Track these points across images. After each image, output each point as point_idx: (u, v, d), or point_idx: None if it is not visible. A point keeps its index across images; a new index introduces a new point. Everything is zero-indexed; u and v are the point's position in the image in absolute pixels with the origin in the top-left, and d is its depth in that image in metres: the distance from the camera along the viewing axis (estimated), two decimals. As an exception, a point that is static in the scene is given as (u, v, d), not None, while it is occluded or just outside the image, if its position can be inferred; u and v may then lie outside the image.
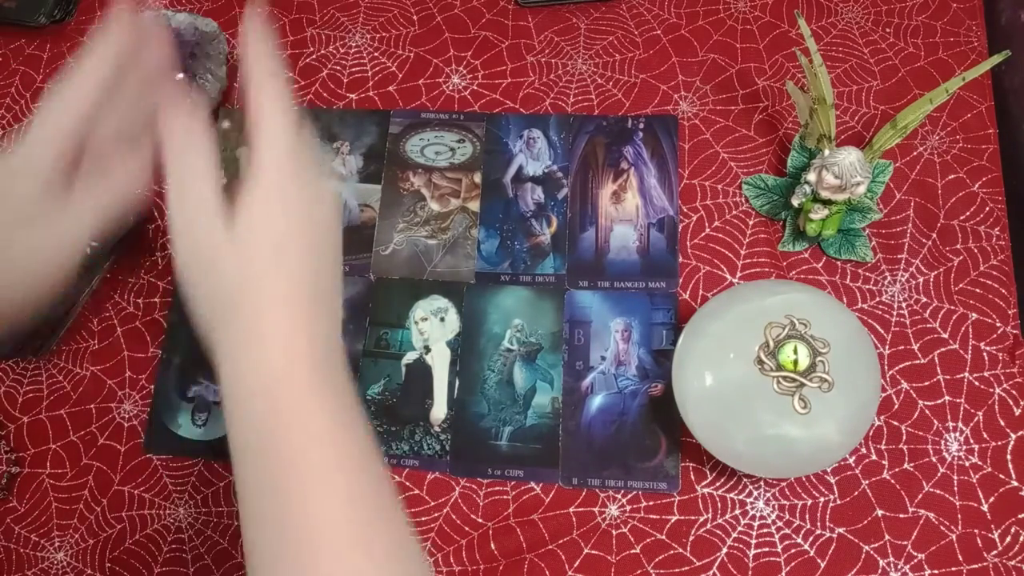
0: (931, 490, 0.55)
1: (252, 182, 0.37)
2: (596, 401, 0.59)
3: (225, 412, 0.37)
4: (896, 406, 0.57)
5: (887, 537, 0.54)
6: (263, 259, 0.37)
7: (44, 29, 0.74)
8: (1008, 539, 0.53)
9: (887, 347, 0.58)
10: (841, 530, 0.55)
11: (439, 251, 0.64)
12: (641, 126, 0.66)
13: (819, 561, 0.54)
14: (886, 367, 0.58)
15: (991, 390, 0.57)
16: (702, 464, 0.57)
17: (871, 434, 0.56)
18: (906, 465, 0.56)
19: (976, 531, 0.54)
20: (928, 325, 0.59)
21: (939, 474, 0.55)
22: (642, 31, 0.69)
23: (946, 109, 0.64)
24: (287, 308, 0.37)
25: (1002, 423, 0.56)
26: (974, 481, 0.55)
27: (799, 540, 0.55)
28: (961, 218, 0.61)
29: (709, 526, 0.55)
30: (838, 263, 0.61)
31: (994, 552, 0.53)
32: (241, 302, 0.37)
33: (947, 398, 0.57)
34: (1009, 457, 0.55)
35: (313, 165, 0.39)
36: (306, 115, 0.38)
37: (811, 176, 0.55)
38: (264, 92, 0.38)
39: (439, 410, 0.60)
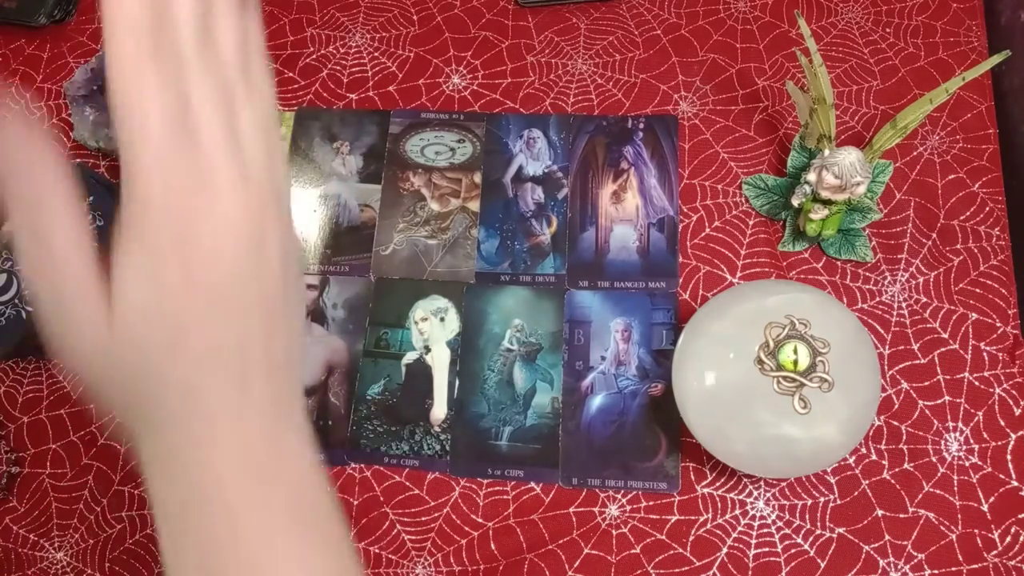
0: (931, 490, 0.55)
1: (127, 238, 0.26)
2: (596, 401, 0.59)
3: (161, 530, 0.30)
4: (896, 406, 0.57)
5: (887, 537, 0.54)
6: (166, 336, 0.27)
7: (44, 29, 0.74)
8: (1008, 539, 0.53)
9: (887, 347, 0.58)
10: (841, 530, 0.55)
11: (439, 251, 0.64)
12: (641, 126, 0.66)
13: (819, 561, 0.54)
14: (886, 367, 0.58)
15: (991, 390, 0.57)
16: (702, 464, 0.57)
17: (871, 434, 0.56)
18: (906, 465, 0.56)
19: (976, 531, 0.54)
20: (928, 325, 0.59)
21: (939, 474, 0.55)
22: (642, 31, 0.69)
23: (946, 109, 0.64)
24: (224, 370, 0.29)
25: (1002, 423, 0.56)
26: (974, 481, 0.55)
27: (799, 540, 0.55)
28: (961, 218, 0.61)
29: (709, 526, 0.55)
30: (838, 263, 0.61)
31: (994, 552, 0.53)
32: (165, 390, 0.29)
33: (947, 398, 0.57)
34: (1009, 457, 0.55)
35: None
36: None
37: (811, 176, 0.55)
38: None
39: (439, 410, 0.60)
